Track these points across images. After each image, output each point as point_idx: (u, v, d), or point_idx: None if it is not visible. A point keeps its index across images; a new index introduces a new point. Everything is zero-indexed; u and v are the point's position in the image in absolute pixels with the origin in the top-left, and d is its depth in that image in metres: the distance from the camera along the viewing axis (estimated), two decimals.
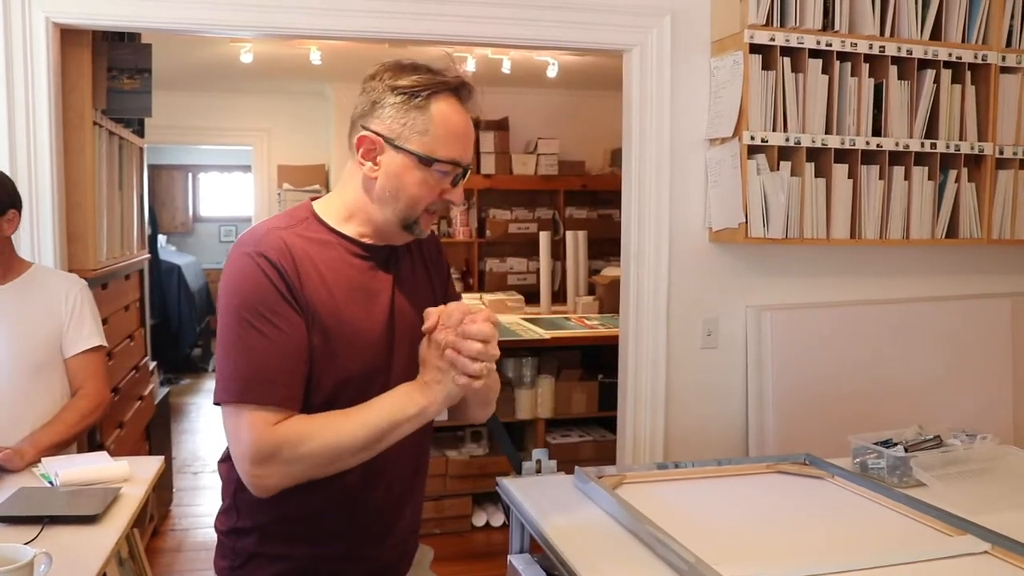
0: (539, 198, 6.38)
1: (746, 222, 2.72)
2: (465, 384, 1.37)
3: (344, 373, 1.43)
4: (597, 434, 4.28)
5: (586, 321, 4.68)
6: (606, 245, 5.84)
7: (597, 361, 4.35)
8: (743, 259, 2.92)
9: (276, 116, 7.05)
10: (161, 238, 9.01)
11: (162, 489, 4.34)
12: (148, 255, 4.23)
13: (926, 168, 2.99)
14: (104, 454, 2.18)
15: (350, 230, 1.50)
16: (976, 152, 3.03)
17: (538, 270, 5.70)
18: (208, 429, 6.67)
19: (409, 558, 1.70)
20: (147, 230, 4.36)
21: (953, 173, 3.02)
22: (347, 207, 1.50)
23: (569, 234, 5.44)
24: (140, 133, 3.84)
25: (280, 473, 1.35)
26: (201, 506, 4.87)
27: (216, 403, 1.39)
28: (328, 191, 6.63)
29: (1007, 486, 2.01)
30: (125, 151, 3.59)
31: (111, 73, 3.12)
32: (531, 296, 5.54)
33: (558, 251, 5.94)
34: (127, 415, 3.43)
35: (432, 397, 1.39)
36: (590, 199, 6.30)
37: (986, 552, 1.64)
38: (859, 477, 2.05)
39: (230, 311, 1.38)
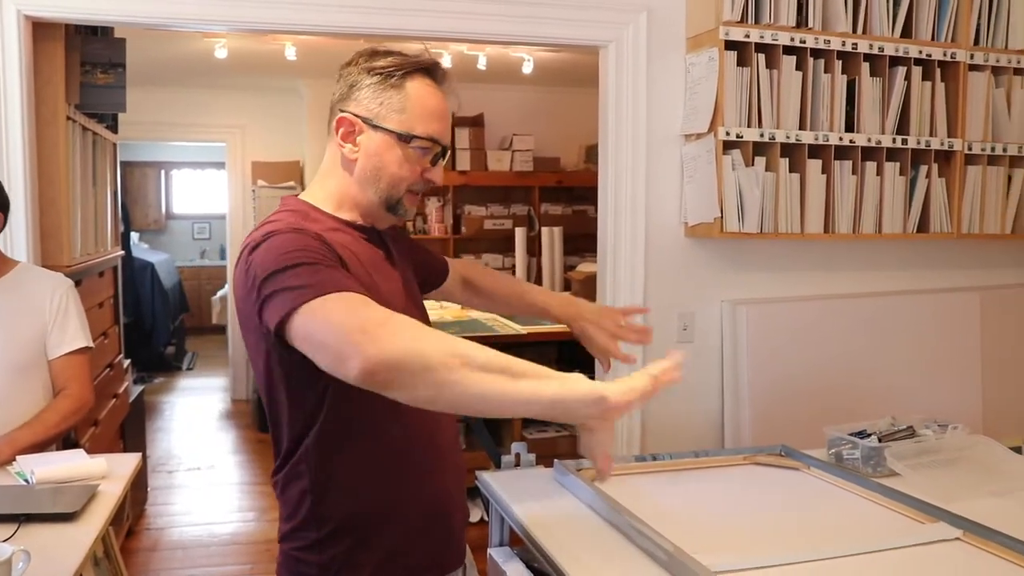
0: (514, 194, 6.39)
1: (721, 217, 2.74)
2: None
3: None
4: (575, 429, 4.30)
5: None
6: (581, 241, 5.85)
7: (574, 356, 4.37)
8: (718, 254, 2.94)
9: (250, 112, 7.01)
10: (134, 235, 8.95)
11: (136, 488, 4.32)
12: (122, 252, 4.20)
13: (898, 164, 3.02)
14: (81, 451, 2.16)
15: (344, 216, 1.51)
16: (946, 148, 3.07)
17: (513, 266, 5.71)
18: (183, 428, 6.63)
19: (463, 553, 1.66)
20: (120, 227, 4.33)
21: (924, 169, 3.06)
22: (334, 195, 1.51)
23: (544, 230, 5.46)
24: (113, 129, 3.81)
25: (392, 343, 1.15)
26: (175, 505, 4.85)
27: (291, 311, 1.22)
28: (303, 188, 6.66)
29: (978, 474, 2.05)
30: (99, 147, 3.57)
31: (84, 68, 3.09)
32: None
33: (533, 247, 5.95)
34: (102, 413, 3.41)
35: (618, 392, 1.23)
36: (565, 195, 6.32)
37: (958, 539, 1.66)
38: (834, 467, 2.08)
39: (275, 260, 1.28)
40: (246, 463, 5.82)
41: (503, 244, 6.23)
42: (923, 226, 3.08)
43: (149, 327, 8.18)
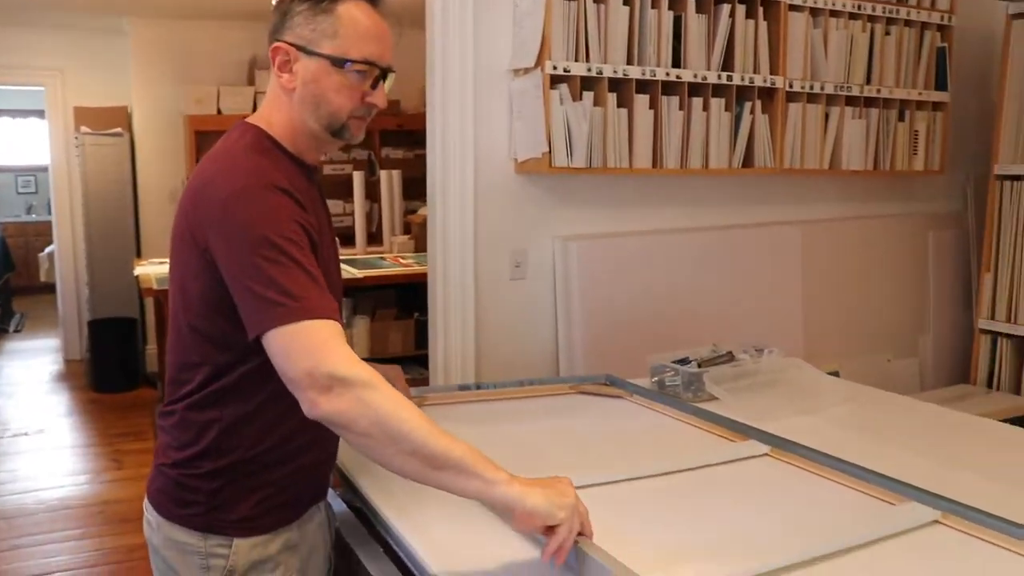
0: None
1: (550, 152, 2.73)
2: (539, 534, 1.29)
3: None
4: (415, 372, 4.27)
5: (401, 260, 4.64)
6: (422, 185, 5.70)
7: (413, 300, 4.33)
8: (549, 190, 2.94)
9: (70, 54, 6.59)
10: None
11: None
12: None
13: (723, 100, 3.08)
14: None
15: (295, 150, 1.50)
16: (768, 85, 3.15)
17: (353, 212, 5.61)
18: (9, 392, 6.27)
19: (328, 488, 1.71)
20: None
21: (748, 105, 3.13)
22: (286, 126, 1.49)
23: (383, 174, 5.37)
24: None
25: (350, 403, 1.26)
26: (11, 471, 4.59)
27: (268, 328, 1.29)
28: (131, 133, 6.32)
29: (789, 395, 2.13)
30: None
31: None
32: (347, 238, 5.45)
33: (374, 192, 5.85)
34: None
35: (518, 490, 1.26)
36: (406, 139, 6.22)
37: (766, 454, 1.72)
38: (656, 394, 2.12)
39: (259, 240, 1.31)
40: (80, 425, 5.57)
41: (343, 189, 6.08)
42: (748, 161, 3.16)
43: None
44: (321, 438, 1.53)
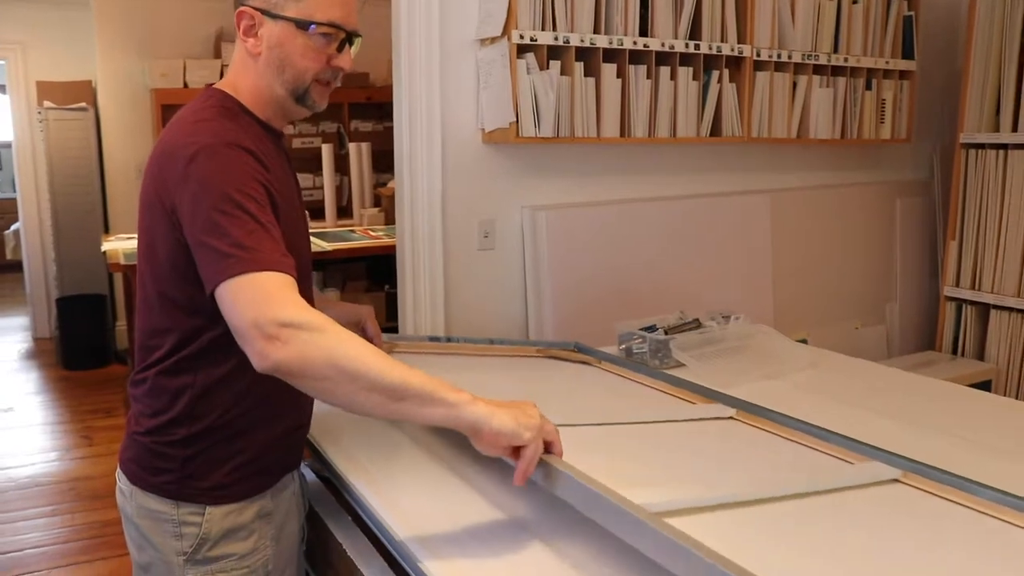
0: (323, 112, 6.17)
1: (517, 122, 2.72)
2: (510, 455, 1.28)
3: (300, 271, 1.40)
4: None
5: (371, 232, 4.63)
6: (392, 157, 5.68)
7: (383, 272, 4.32)
8: (517, 160, 2.93)
9: (31, 27, 6.48)
10: None
11: None
12: None
13: (691, 69, 3.08)
14: None
15: (261, 115, 1.50)
16: (736, 54, 3.15)
17: (323, 186, 5.58)
18: None
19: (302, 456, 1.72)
20: None
21: (716, 74, 3.13)
22: (252, 91, 1.50)
23: (352, 146, 5.34)
24: None
25: (299, 347, 1.21)
26: None
27: (220, 281, 1.26)
28: (96, 108, 6.23)
29: (755, 361, 2.15)
30: None
31: None
32: (317, 212, 5.42)
33: (344, 165, 5.81)
34: None
35: (482, 409, 1.25)
36: (375, 112, 6.19)
37: (732, 417, 1.74)
38: (624, 361, 2.13)
39: (219, 196, 1.30)
40: (50, 403, 5.51)
41: (312, 163, 6.05)
42: (715, 130, 3.17)
43: None
44: (294, 404, 1.54)
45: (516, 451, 1.27)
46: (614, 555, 1.23)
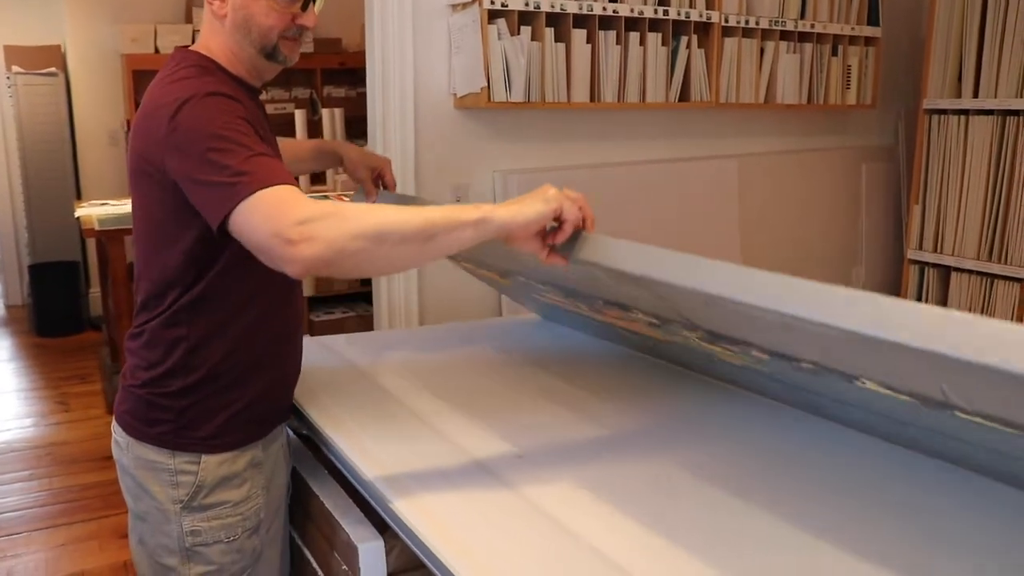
0: (295, 77, 6.18)
1: (488, 87, 2.76)
2: (556, 215, 1.33)
3: None
4: (361, 309, 4.32)
5: (344, 198, 4.64)
6: (365, 123, 5.67)
7: None
8: (489, 125, 2.97)
9: None
10: None
11: None
12: None
13: (660, 34, 3.12)
14: None
15: (235, 73, 1.53)
16: (704, 20, 3.19)
17: None
18: None
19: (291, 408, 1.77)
20: None
21: (684, 40, 3.17)
22: (224, 51, 1.52)
23: (326, 112, 5.34)
24: None
25: (323, 236, 1.22)
26: None
27: (229, 209, 1.28)
28: (66, 73, 6.17)
29: None
30: None
31: None
32: None
33: (317, 131, 5.81)
34: None
35: (505, 211, 1.29)
36: (348, 77, 6.17)
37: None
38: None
39: (208, 136, 1.33)
40: (23, 369, 5.52)
41: (285, 129, 6.01)
42: (684, 95, 3.22)
43: None
44: (284, 355, 1.61)
45: (553, 235, 1.35)
46: (571, 493, 1.29)
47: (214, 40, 1.53)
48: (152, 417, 1.52)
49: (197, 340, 1.49)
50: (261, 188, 1.28)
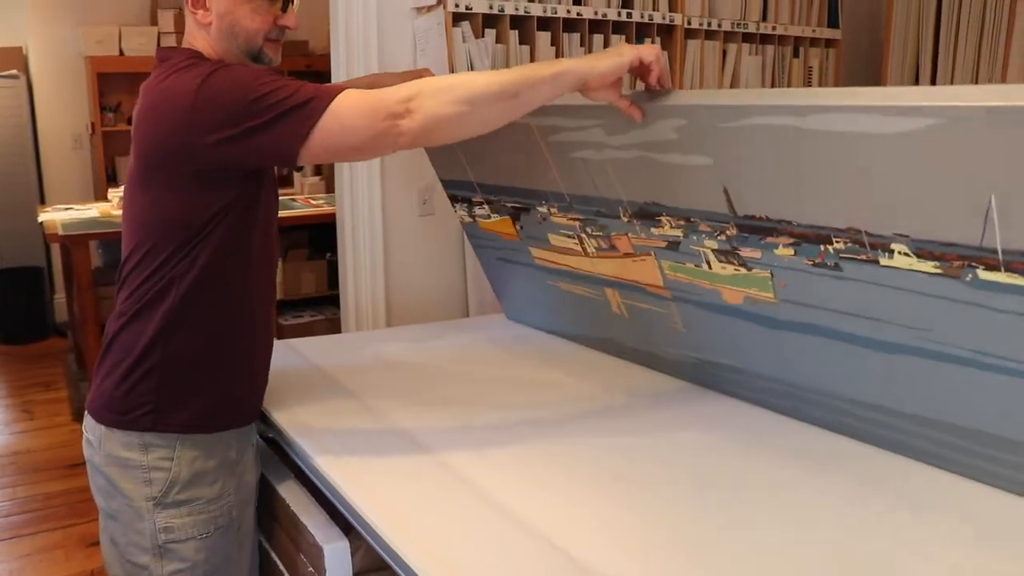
0: None
1: None
2: (638, 66, 1.44)
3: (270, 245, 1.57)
4: (329, 312, 4.32)
5: (312, 201, 4.65)
6: None
7: (324, 240, 4.34)
8: None
9: None
10: None
11: None
12: None
13: (623, 37, 3.15)
14: None
15: None
16: (668, 22, 3.22)
17: None
18: None
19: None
20: None
21: (648, 42, 3.20)
22: (211, 55, 1.54)
23: None
24: None
25: (423, 109, 1.34)
26: None
27: (306, 133, 1.36)
28: (28, 75, 6.10)
29: None
30: None
31: None
32: None
33: None
34: None
35: (582, 63, 1.40)
36: (315, 79, 6.08)
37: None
38: None
39: (247, 87, 1.38)
40: None
41: None
42: None
43: None
44: (257, 342, 1.63)
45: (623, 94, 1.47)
46: (510, 473, 1.31)
47: (200, 44, 1.56)
48: (128, 404, 1.52)
49: (175, 328, 1.50)
50: (331, 99, 1.36)
